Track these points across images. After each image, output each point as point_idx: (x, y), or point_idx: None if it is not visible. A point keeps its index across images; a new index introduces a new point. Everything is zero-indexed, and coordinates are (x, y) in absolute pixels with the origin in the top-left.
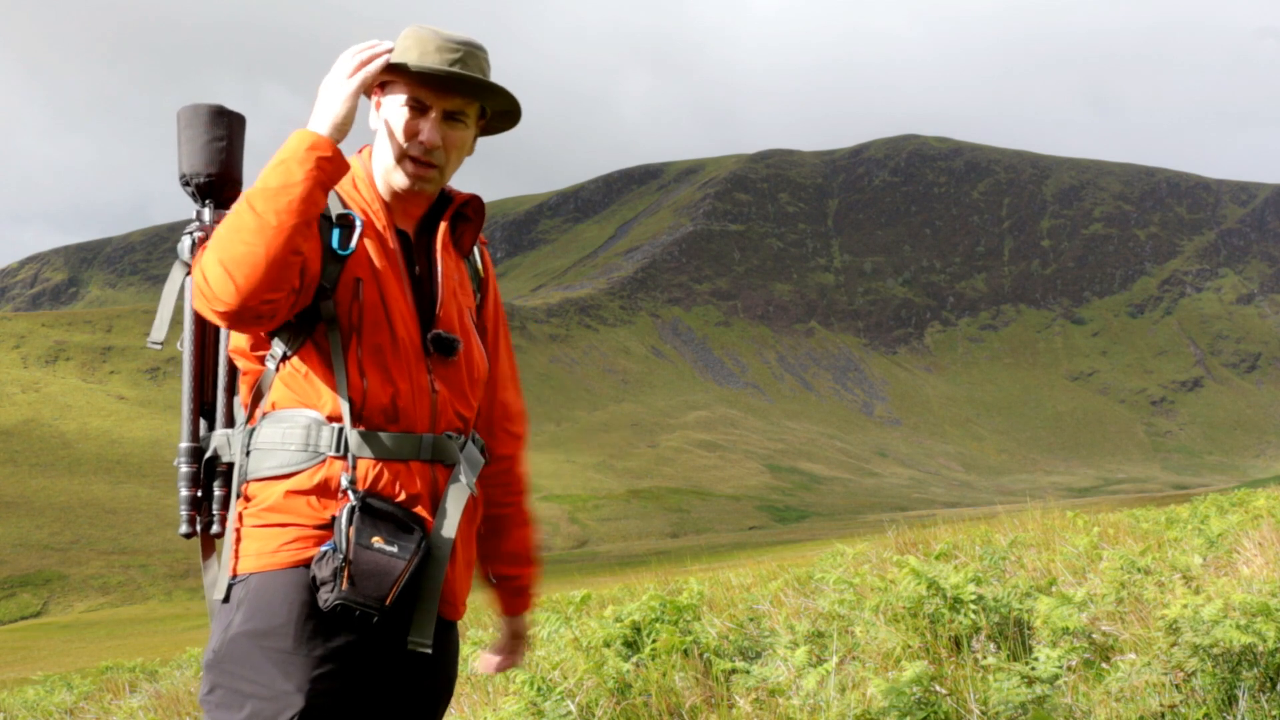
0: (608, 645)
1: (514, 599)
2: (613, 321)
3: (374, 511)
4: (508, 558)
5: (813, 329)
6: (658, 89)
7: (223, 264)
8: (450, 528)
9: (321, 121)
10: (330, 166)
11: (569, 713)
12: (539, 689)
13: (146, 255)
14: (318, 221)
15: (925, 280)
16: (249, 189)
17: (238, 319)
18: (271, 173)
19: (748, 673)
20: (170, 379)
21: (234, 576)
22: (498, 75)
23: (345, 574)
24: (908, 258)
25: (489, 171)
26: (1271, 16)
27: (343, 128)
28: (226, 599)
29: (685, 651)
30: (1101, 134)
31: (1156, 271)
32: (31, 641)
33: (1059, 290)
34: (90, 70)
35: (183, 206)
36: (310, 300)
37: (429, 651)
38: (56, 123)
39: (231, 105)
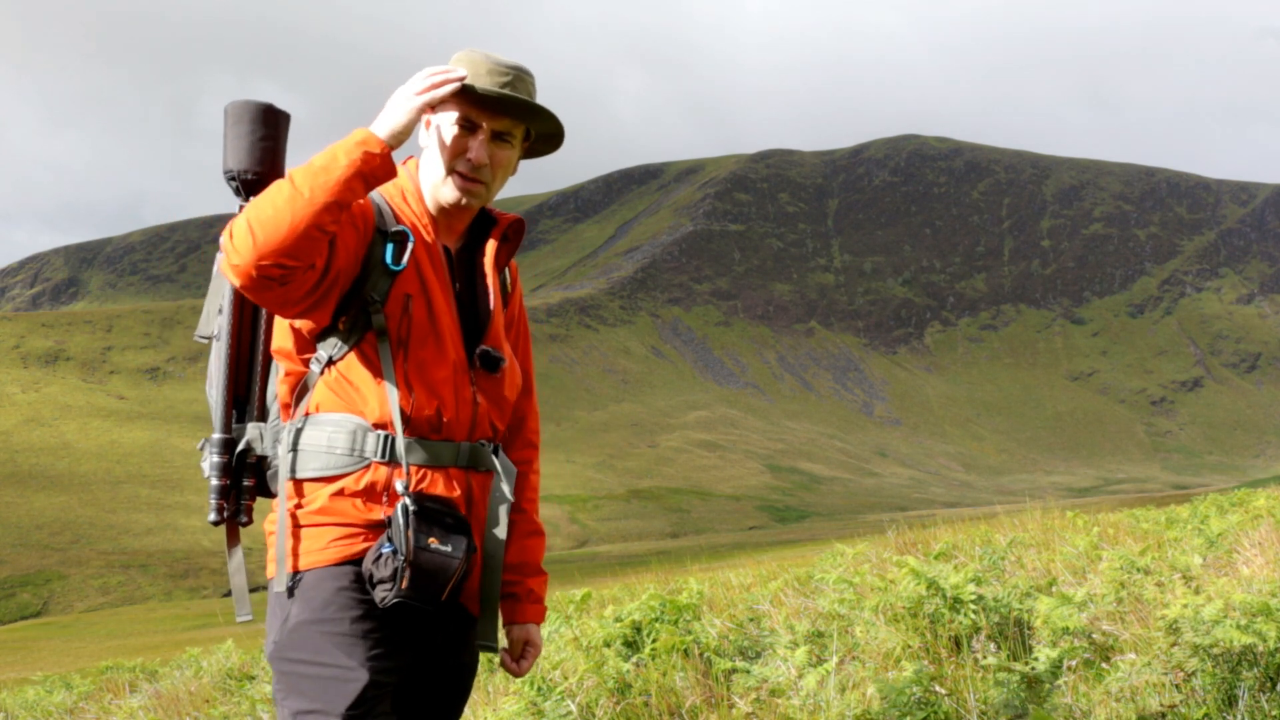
0: (608, 645)
1: (518, 607)
2: (613, 321)
3: (427, 514)
4: (511, 567)
5: (813, 329)
6: (654, 87)
7: (249, 222)
8: (502, 535)
9: (381, 125)
10: (376, 161)
11: (569, 712)
12: (539, 689)
13: (146, 255)
14: (370, 232)
15: (925, 280)
16: (295, 169)
17: (250, 278)
18: (319, 156)
19: (748, 673)
20: (170, 379)
21: (294, 573)
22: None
23: (405, 575)
24: (908, 258)
25: None
26: (1272, 16)
27: (400, 136)
28: (290, 594)
29: (685, 651)
30: (1101, 132)
31: (1156, 271)
32: (31, 641)
33: (1059, 290)
34: (82, 68)
35: (177, 206)
36: (337, 298)
37: (496, 652)
38: (48, 121)
39: (223, 102)
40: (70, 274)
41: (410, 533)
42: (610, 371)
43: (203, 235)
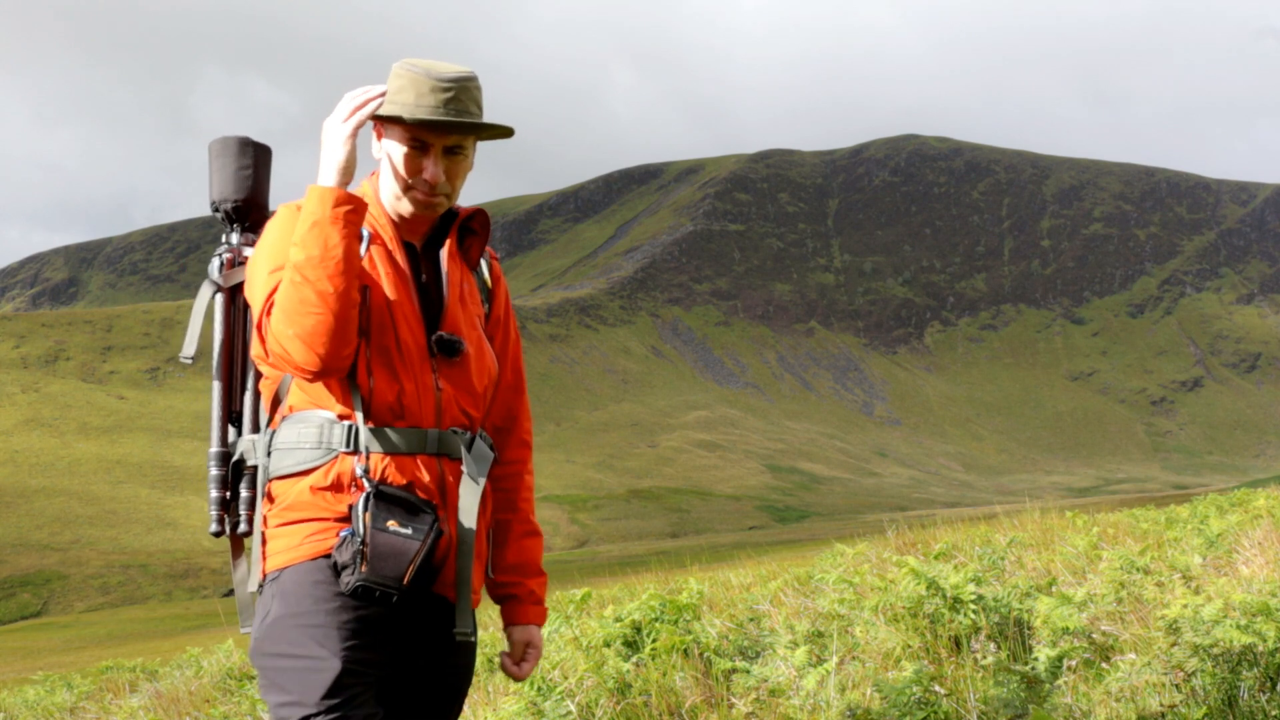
0: (608, 645)
1: (518, 609)
2: (613, 321)
3: (387, 497)
4: (511, 568)
5: (813, 329)
6: (650, 84)
7: (300, 338)
8: (470, 519)
9: (330, 171)
10: (356, 218)
11: (569, 712)
12: (539, 689)
13: (146, 255)
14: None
15: (925, 280)
16: (296, 258)
17: (321, 376)
18: (310, 239)
19: (748, 673)
20: (170, 380)
21: (264, 576)
22: (487, 73)
23: (364, 557)
24: (908, 258)
25: (488, 171)
26: (1272, 16)
27: (348, 170)
28: (260, 591)
29: (685, 651)
30: (1101, 130)
31: (1156, 271)
32: (31, 641)
33: (1059, 290)
34: (71, 65)
35: (170, 203)
36: None
37: (473, 640)
38: (39, 120)
39: (214, 99)
40: (70, 274)
41: (368, 516)
42: (610, 371)
43: (202, 235)
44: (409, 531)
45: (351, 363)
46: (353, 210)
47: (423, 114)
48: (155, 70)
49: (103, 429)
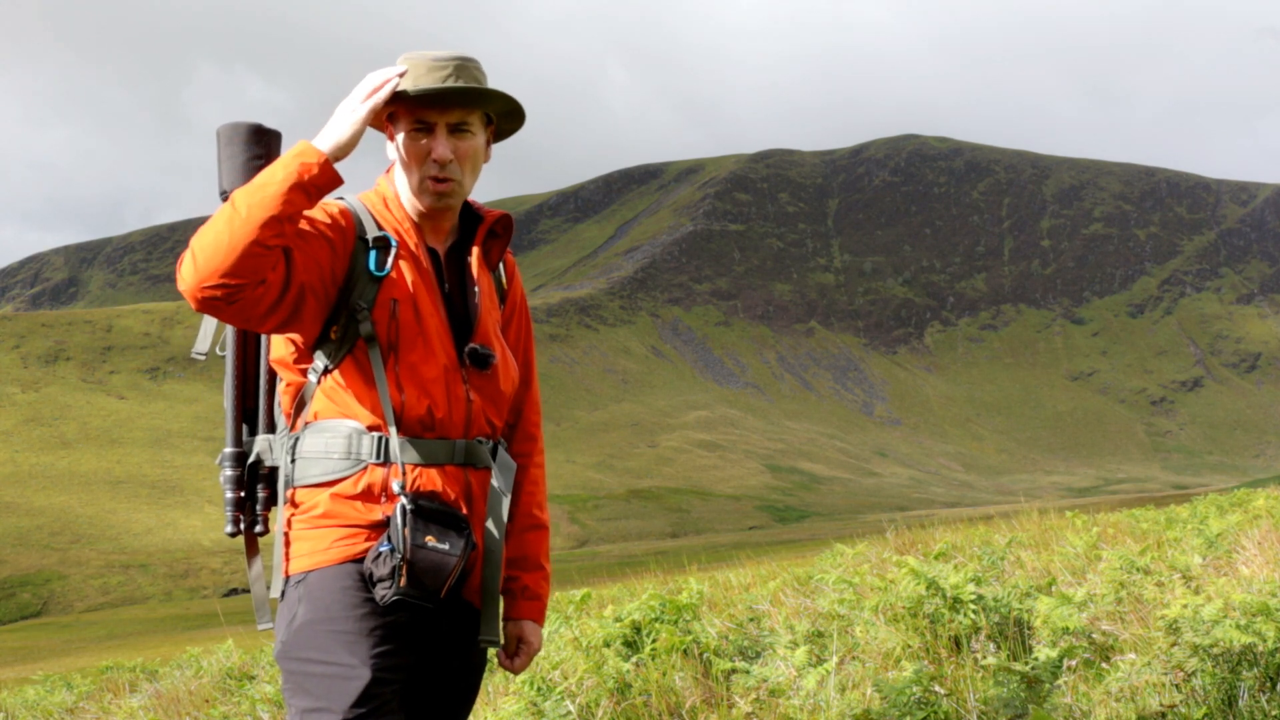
0: (608, 645)
1: (512, 604)
2: (613, 321)
3: (424, 512)
4: (508, 562)
5: (813, 329)
6: (649, 83)
7: (192, 248)
8: (500, 531)
9: (324, 138)
10: (314, 171)
11: (569, 713)
12: (539, 689)
13: (146, 255)
14: (351, 242)
15: (925, 280)
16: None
17: (197, 300)
18: (261, 173)
19: (748, 673)
20: (170, 379)
21: (288, 577)
22: (492, 74)
23: (403, 572)
24: (908, 258)
25: (488, 170)
26: (1272, 16)
27: (344, 148)
28: (283, 596)
29: (685, 651)
30: (1101, 129)
31: (1156, 271)
32: (31, 641)
33: (1059, 290)
34: (62, 63)
35: (164, 201)
36: (318, 310)
37: (498, 646)
38: (31, 118)
39: (208, 97)
40: (70, 274)
41: (407, 531)
42: (610, 371)
43: None
44: (446, 547)
45: (234, 304)
46: (310, 164)
47: (420, 87)
48: (148, 68)
49: (102, 429)
